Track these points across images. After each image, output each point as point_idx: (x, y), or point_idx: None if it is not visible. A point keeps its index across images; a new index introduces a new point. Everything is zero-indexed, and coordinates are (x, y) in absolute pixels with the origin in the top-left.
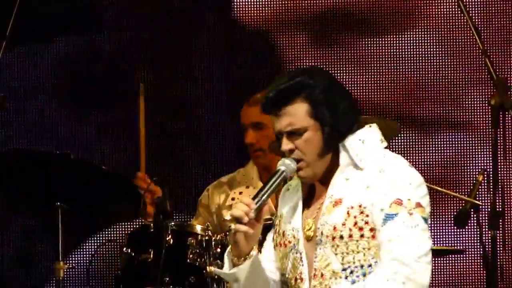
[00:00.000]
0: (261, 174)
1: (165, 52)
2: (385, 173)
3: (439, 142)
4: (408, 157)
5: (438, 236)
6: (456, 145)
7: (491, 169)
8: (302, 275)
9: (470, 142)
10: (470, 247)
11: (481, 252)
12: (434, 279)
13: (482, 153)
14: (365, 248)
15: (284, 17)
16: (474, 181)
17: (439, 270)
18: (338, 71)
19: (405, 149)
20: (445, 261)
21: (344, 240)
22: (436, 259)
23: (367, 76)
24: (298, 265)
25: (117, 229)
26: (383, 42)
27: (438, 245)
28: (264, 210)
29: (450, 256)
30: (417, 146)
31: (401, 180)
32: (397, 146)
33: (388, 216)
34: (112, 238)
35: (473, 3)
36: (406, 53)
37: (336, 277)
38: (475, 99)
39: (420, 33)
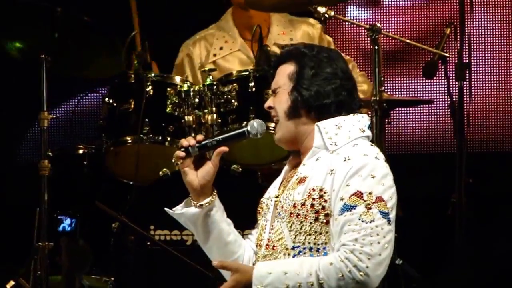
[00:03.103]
0: (240, 30)
1: None
2: (349, 162)
3: None
4: (379, 10)
5: (408, 88)
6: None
7: (458, 22)
8: (261, 242)
9: None
10: (438, 97)
11: (449, 102)
12: (405, 128)
13: (449, 6)
14: (317, 232)
15: None
16: (442, 34)
17: (410, 120)
18: None
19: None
20: (415, 111)
21: (300, 219)
22: (406, 109)
23: None
24: (262, 232)
25: (99, 81)
26: None
27: (408, 96)
28: (218, 152)
29: (420, 106)
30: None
31: (364, 171)
32: None
33: (346, 207)
34: (95, 89)
35: None
36: None
37: (285, 253)
38: None
39: None
